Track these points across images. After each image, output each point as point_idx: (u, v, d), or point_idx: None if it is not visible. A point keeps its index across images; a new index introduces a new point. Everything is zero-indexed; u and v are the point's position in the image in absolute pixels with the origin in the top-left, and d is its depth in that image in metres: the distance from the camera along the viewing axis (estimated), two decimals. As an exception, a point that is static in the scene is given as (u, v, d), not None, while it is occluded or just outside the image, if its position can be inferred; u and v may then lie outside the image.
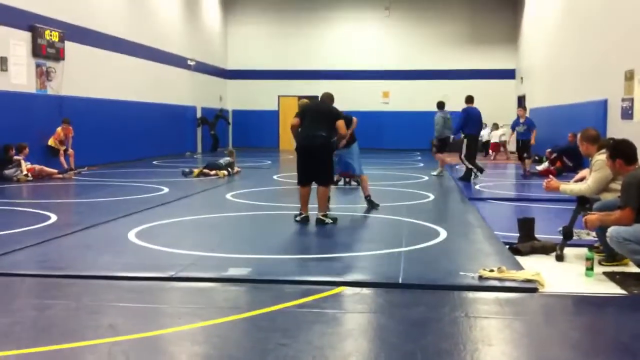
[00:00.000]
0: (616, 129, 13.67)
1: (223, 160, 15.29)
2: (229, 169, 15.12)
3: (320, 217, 8.36)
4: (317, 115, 8.48)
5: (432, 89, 27.35)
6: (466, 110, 14.79)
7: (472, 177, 14.42)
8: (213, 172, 14.87)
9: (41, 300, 4.98)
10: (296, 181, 8.73)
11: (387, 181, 14.40)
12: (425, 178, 15.01)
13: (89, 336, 4.07)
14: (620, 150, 5.77)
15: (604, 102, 14.96)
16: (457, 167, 16.84)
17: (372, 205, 9.71)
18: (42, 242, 6.88)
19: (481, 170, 14.57)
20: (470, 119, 14.67)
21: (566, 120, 18.20)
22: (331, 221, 8.36)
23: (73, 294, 5.03)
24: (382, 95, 29.05)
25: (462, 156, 14.75)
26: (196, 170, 14.93)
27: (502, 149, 24.43)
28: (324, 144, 8.39)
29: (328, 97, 8.91)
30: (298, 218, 8.44)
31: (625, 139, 5.99)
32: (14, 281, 5.42)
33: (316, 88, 28.69)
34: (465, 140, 14.77)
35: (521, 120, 16.46)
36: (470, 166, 14.43)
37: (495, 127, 25.01)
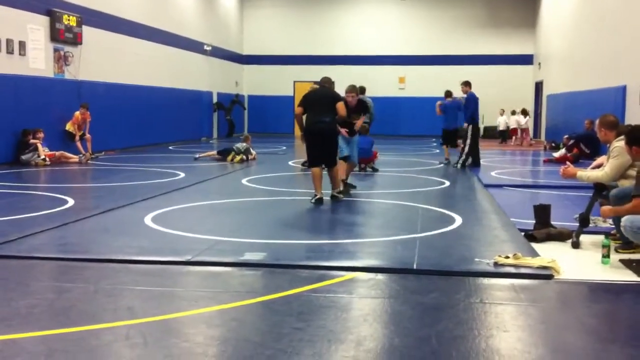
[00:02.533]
0: (635, 115, 13.55)
1: (240, 146, 15.31)
2: (246, 155, 15.14)
3: (334, 194, 9.05)
4: (319, 102, 8.92)
5: (448, 75, 27.17)
6: (473, 95, 14.28)
7: (464, 163, 14.09)
8: (218, 156, 15.18)
9: (59, 283, 5.04)
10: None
11: (403, 167, 14.38)
12: (441, 165, 14.95)
13: (107, 318, 4.12)
14: (636, 137, 5.68)
15: (623, 89, 14.81)
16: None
17: (347, 189, 9.81)
18: (60, 226, 6.95)
19: (477, 163, 14.08)
20: (477, 105, 14.29)
21: (584, 106, 18.05)
22: (342, 196, 9.08)
23: (91, 277, 5.09)
24: (398, 81, 28.91)
25: (466, 143, 14.25)
26: (235, 157, 15.02)
27: (523, 134, 24.25)
28: (328, 128, 8.89)
29: (327, 82, 9.39)
30: (313, 200, 8.74)
31: (643, 125, 5.89)
32: (33, 264, 5.48)
33: (331, 74, 28.47)
34: (470, 127, 14.20)
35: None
36: (465, 155, 14.10)
37: (512, 112, 24.88)
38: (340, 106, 8.83)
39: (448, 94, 15.76)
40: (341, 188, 9.35)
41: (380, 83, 28.21)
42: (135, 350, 3.61)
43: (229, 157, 14.91)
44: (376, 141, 14.06)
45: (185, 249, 5.89)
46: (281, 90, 29.70)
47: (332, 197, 9.01)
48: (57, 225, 6.98)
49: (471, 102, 14.24)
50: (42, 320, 4.11)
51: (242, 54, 29.91)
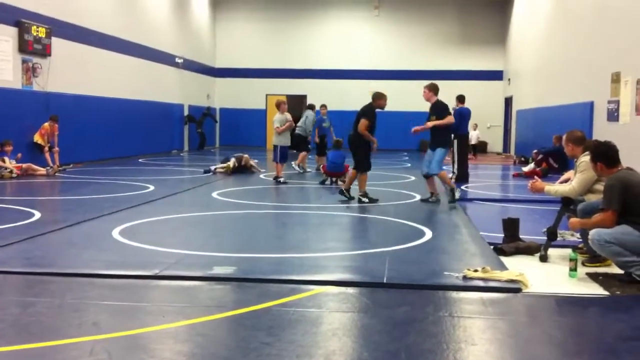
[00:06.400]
0: (602, 131, 13.77)
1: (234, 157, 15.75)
2: (235, 164, 15.46)
3: (359, 196, 10.37)
4: (357, 116, 10.62)
5: (419, 89, 27.34)
6: (459, 110, 14.58)
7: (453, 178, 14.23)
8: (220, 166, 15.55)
9: (24, 298, 4.94)
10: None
11: (374, 181, 14.40)
12: (413, 178, 15.01)
13: (72, 334, 4.05)
14: (601, 153, 5.72)
15: (590, 104, 15.05)
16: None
17: (453, 197, 10.20)
18: (26, 239, 6.83)
19: (464, 177, 14.26)
20: (464, 120, 14.53)
21: (553, 121, 18.30)
22: (367, 201, 10.19)
23: (56, 292, 5.00)
24: (370, 95, 29.02)
25: (455, 157, 14.48)
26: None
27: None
28: (352, 139, 10.54)
29: (373, 96, 11.01)
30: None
31: (607, 141, 5.87)
32: (-3, 278, 5.37)
33: (303, 87, 28.78)
34: (456, 141, 14.34)
35: (324, 117, 17.18)
36: (455, 169, 14.26)
37: (474, 127, 25.23)
38: (361, 123, 10.35)
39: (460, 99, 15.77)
40: (367, 193, 10.36)
41: (352, 97, 28.16)
42: (100, 366, 3.54)
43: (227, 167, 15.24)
44: (348, 155, 14.09)
45: (153, 263, 5.82)
46: (253, 104, 29.65)
47: (358, 199, 10.29)
48: (23, 238, 6.86)
49: (456, 116, 14.51)
50: (7, 335, 4.03)
51: (214, 67, 29.84)
